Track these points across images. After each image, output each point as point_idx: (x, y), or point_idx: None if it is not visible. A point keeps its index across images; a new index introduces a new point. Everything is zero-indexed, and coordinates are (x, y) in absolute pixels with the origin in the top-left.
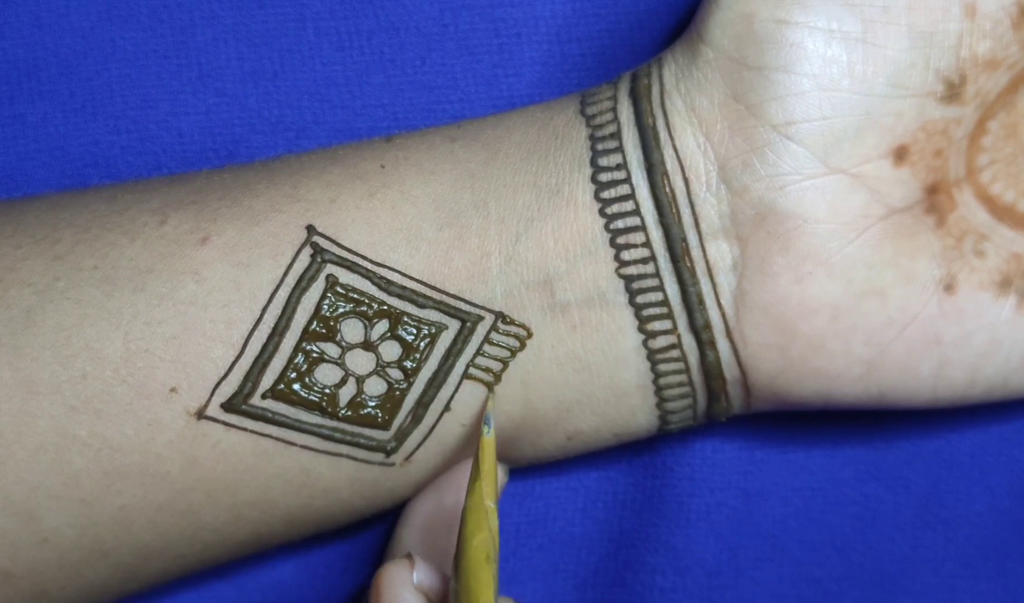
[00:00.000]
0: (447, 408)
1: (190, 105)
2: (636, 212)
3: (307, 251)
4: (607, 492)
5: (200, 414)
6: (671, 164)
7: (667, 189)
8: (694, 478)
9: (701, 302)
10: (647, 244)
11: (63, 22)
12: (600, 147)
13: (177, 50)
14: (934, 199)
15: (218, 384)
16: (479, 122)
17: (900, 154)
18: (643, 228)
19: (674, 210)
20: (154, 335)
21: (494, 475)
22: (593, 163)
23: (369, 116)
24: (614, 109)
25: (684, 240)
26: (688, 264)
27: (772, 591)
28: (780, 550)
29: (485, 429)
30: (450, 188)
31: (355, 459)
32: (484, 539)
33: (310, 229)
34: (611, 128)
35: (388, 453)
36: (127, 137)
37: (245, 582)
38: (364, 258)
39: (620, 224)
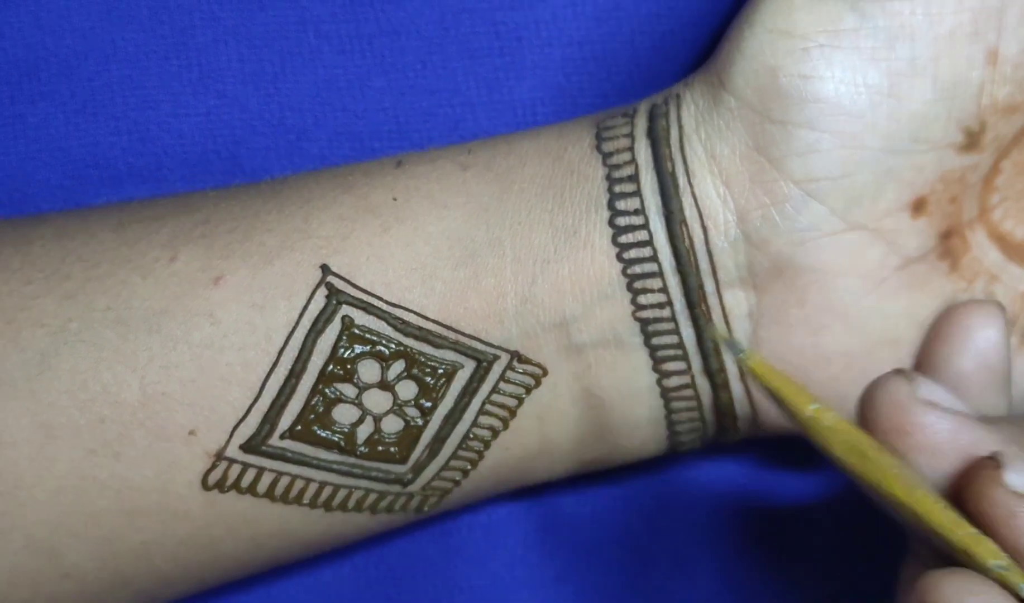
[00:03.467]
0: (463, 442)
1: (191, 106)
2: (654, 258)
3: (322, 292)
4: (616, 497)
5: (219, 456)
6: (690, 212)
7: (686, 239)
8: (699, 480)
9: (716, 347)
10: (664, 289)
11: (63, 23)
12: (617, 189)
13: (177, 51)
14: (948, 243)
15: (236, 426)
16: (491, 148)
17: (918, 205)
18: (660, 274)
19: (692, 259)
20: (171, 379)
21: (791, 384)
22: (611, 206)
23: (370, 119)
24: (631, 149)
25: (701, 287)
26: (704, 309)
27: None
28: (791, 550)
29: (744, 355)
30: (463, 223)
31: (373, 491)
32: (850, 441)
33: (324, 269)
34: (628, 170)
35: (405, 484)
36: (128, 138)
37: (260, 596)
38: (380, 299)
39: (637, 269)
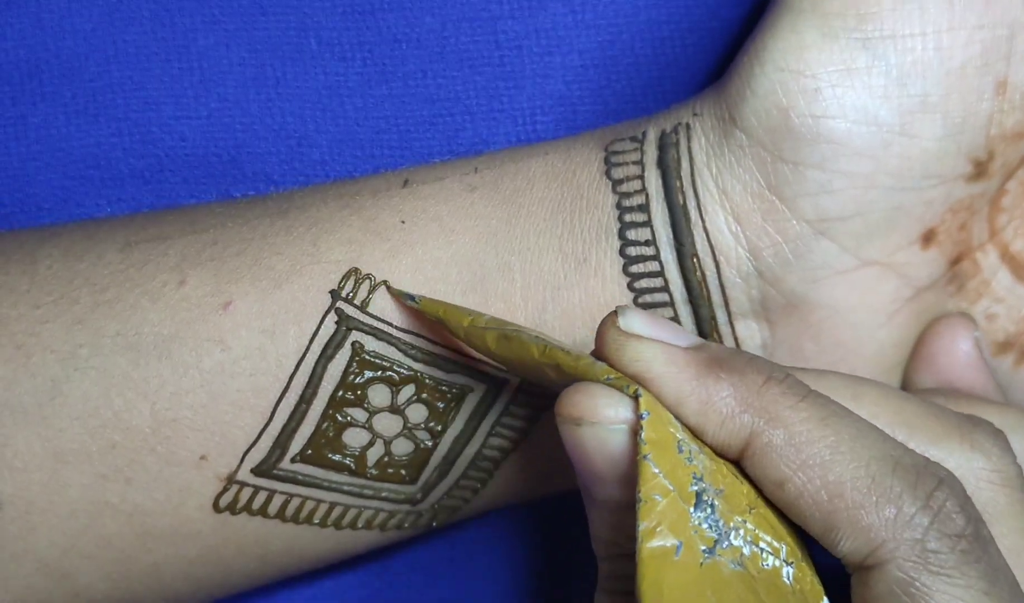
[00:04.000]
0: (474, 462)
1: (192, 109)
2: (665, 288)
3: (331, 318)
4: None
5: (231, 479)
6: (702, 246)
7: (697, 271)
8: None
9: None
10: (675, 318)
11: (65, 24)
12: (628, 219)
13: (179, 54)
14: (957, 268)
15: (248, 450)
16: (497, 167)
17: (928, 237)
18: (672, 304)
19: (704, 291)
20: (182, 405)
21: (449, 306)
22: (621, 235)
23: (371, 127)
24: (641, 177)
25: (713, 318)
26: (716, 339)
27: None
28: None
29: (417, 300)
30: (472, 247)
31: (383, 510)
32: (498, 332)
33: (334, 294)
34: (639, 199)
35: (415, 504)
36: (129, 139)
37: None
38: (389, 324)
39: (648, 298)
